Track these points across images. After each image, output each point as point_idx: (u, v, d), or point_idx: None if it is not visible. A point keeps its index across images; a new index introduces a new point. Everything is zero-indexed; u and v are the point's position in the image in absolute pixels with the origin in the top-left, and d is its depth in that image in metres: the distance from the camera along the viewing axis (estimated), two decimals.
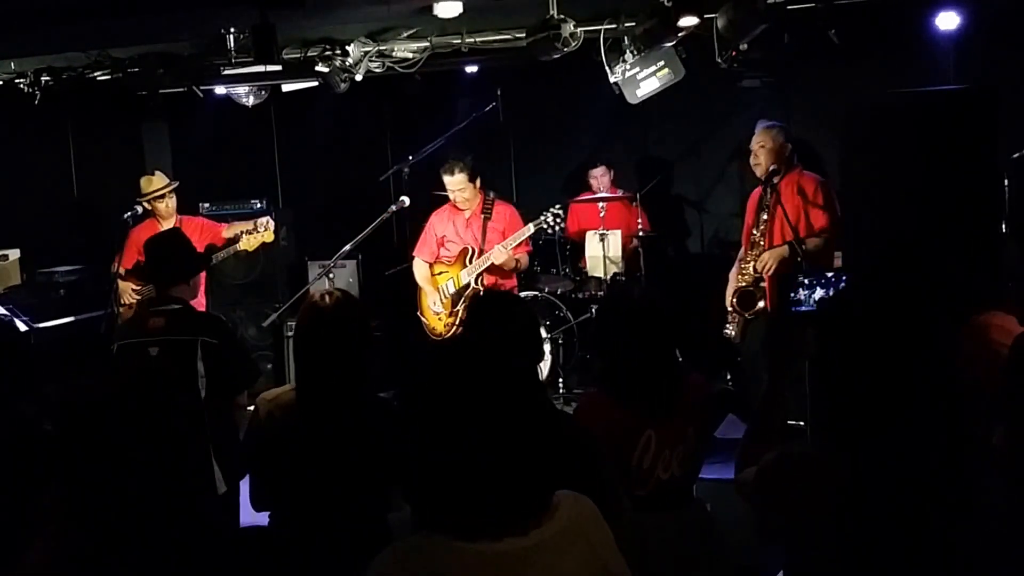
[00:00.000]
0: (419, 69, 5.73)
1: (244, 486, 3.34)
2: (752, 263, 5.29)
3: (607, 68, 5.29)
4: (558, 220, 5.56)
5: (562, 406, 5.77)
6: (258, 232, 5.81)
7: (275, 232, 5.91)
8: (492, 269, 5.59)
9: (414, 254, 5.90)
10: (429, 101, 6.87)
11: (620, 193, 6.84)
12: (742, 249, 5.43)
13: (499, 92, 6.56)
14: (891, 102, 4.38)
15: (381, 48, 5.65)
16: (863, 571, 1.84)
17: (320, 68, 5.63)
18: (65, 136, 8.08)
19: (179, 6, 5.13)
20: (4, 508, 2.40)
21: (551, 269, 6.75)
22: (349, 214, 6.47)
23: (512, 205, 5.89)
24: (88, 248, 7.61)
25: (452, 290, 5.69)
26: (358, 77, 5.70)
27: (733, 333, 5.43)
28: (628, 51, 5.21)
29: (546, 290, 6.55)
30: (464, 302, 5.61)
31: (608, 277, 6.38)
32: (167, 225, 5.91)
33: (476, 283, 5.60)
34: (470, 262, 5.64)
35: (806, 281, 2.45)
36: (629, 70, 5.26)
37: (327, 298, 2.75)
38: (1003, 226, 4.22)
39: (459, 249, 5.71)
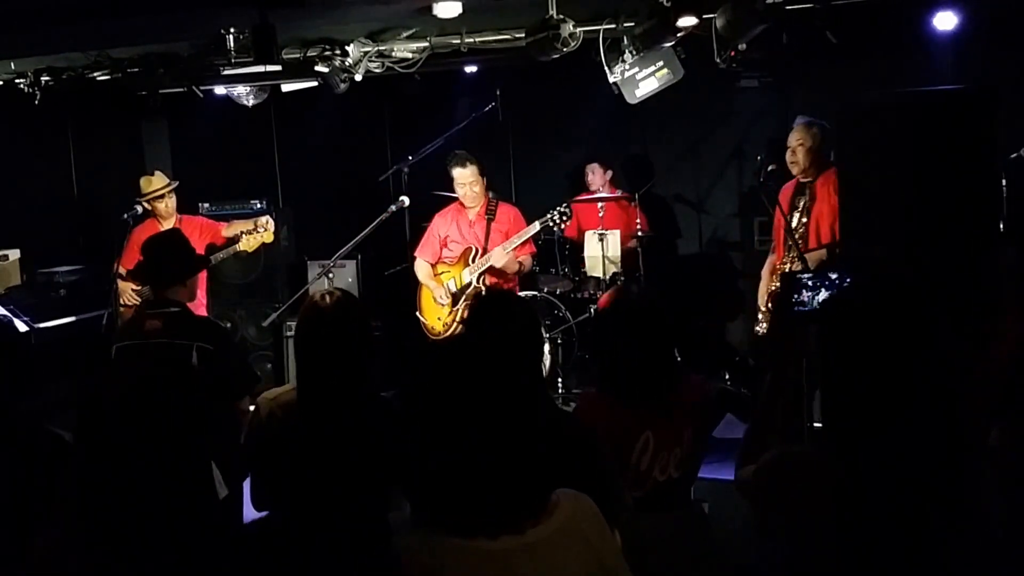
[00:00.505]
0: (419, 69, 5.74)
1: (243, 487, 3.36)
2: (788, 265, 5.22)
3: (606, 68, 5.30)
4: (564, 218, 5.55)
5: (561, 406, 5.78)
6: (258, 232, 5.81)
7: (275, 232, 5.92)
8: (494, 271, 5.59)
9: (416, 254, 5.90)
10: (429, 101, 6.88)
11: (619, 193, 6.85)
12: (775, 249, 5.38)
13: (498, 92, 6.57)
14: (889, 102, 4.39)
15: (381, 48, 5.65)
16: (862, 571, 1.84)
17: (320, 68, 5.64)
18: (65, 136, 8.08)
19: (179, 6, 5.13)
20: (4, 508, 2.40)
21: (550, 269, 6.76)
22: (349, 214, 6.48)
23: (515, 207, 5.89)
24: (88, 248, 7.63)
25: (454, 288, 5.70)
26: (358, 77, 5.71)
27: (762, 331, 5.44)
28: (627, 51, 5.22)
29: (545, 290, 6.56)
30: (465, 301, 5.61)
31: (607, 277, 6.39)
32: (167, 225, 5.91)
33: (478, 282, 5.60)
34: (472, 261, 5.64)
35: (809, 283, 2.46)
36: (628, 70, 5.27)
37: (327, 298, 2.76)
38: (1001, 226, 4.23)
39: (462, 249, 5.71)
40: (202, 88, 6.03)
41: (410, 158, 6.10)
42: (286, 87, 6.34)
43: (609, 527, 1.78)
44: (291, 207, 7.90)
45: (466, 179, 5.63)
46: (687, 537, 2.82)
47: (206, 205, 7.37)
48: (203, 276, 5.19)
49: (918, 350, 1.88)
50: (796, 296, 2.45)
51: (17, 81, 6.11)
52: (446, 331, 5.69)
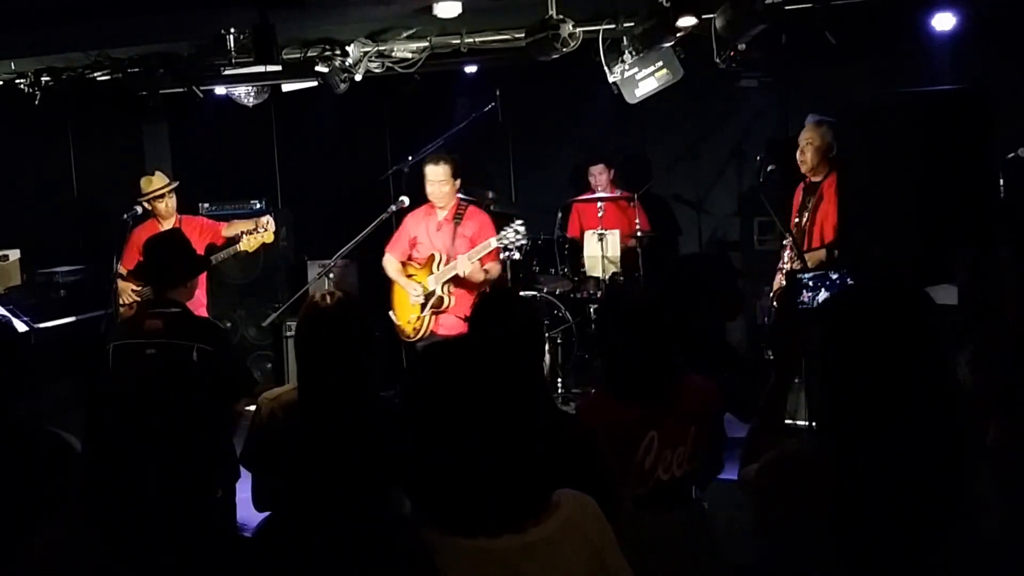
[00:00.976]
0: (419, 69, 5.74)
1: (240, 488, 3.36)
2: (789, 264, 5.26)
3: (606, 68, 5.31)
4: (518, 236, 5.39)
5: (561, 406, 5.78)
6: (258, 232, 5.81)
7: (275, 232, 5.92)
8: (459, 280, 5.46)
9: (386, 250, 5.76)
10: (429, 101, 6.89)
11: (619, 193, 6.86)
12: (788, 245, 5.40)
13: (498, 92, 6.58)
14: (887, 102, 4.40)
15: (381, 48, 5.66)
16: (861, 570, 1.85)
17: (320, 68, 5.64)
18: (65, 136, 8.08)
19: (179, 6, 5.14)
20: (4, 508, 2.41)
21: (550, 269, 6.76)
22: (349, 214, 6.48)
23: (486, 213, 5.74)
24: (88, 248, 7.63)
25: (421, 295, 5.60)
26: (358, 77, 5.71)
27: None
28: (627, 51, 5.23)
29: (545, 290, 6.56)
30: (431, 309, 5.53)
31: (606, 277, 6.39)
32: (167, 225, 5.91)
33: (442, 291, 5.49)
34: (437, 268, 5.53)
35: (810, 283, 2.47)
36: (628, 70, 5.28)
37: (328, 298, 2.77)
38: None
39: (428, 253, 5.61)
40: (202, 88, 6.04)
41: (410, 158, 6.10)
42: (286, 87, 6.34)
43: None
44: (291, 207, 7.90)
45: (436, 177, 5.52)
46: (689, 536, 2.83)
47: (206, 205, 7.37)
48: (203, 276, 5.18)
49: (918, 349, 1.88)
50: (798, 295, 2.46)
51: (17, 81, 6.11)
52: (416, 336, 5.59)
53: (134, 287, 5.77)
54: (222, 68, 5.68)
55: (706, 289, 7.11)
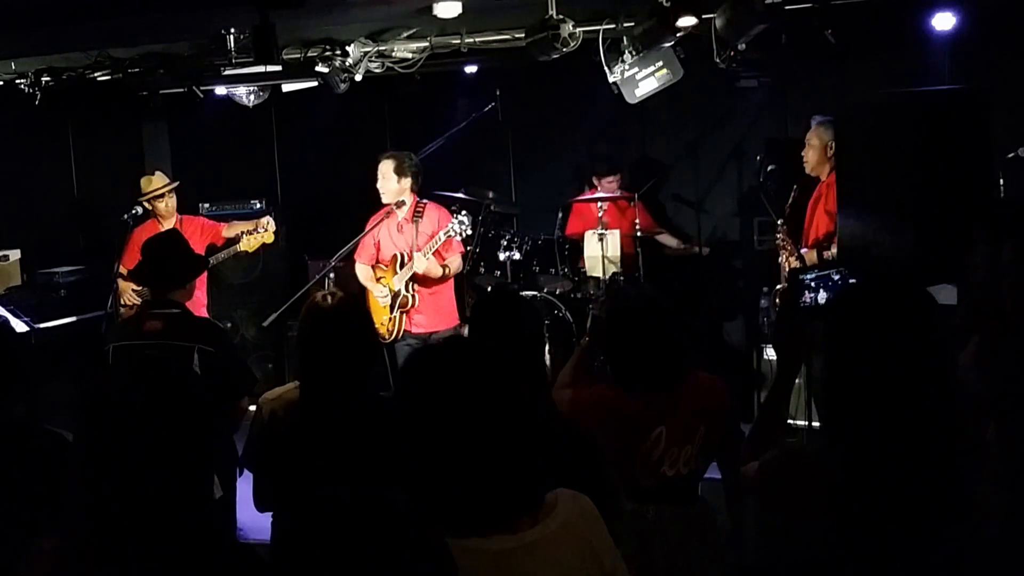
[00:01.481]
0: (419, 69, 5.75)
1: (241, 488, 3.37)
2: (784, 258, 5.39)
3: (606, 68, 5.31)
4: (464, 226, 5.40)
5: None
6: (258, 232, 5.82)
7: (275, 232, 5.92)
8: (421, 278, 5.47)
9: (355, 258, 5.74)
10: (429, 101, 6.89)
11: (619, 193, 6.85)
12: (781, 240, 5.53)
13: (498, 92, 6.58)
14: (886, 102, 4.40)
15: (381, 48, 5.66)
16: (860, 569, 1.85)
17: (320, 68, 5.65)
18: (65, 136, 8.08)
19: (179, 6, 5.14)
20: (4, 509, 2.41)
21: (550, 269, 6.76)
22: (349, 214, 6.48)
23: (444, 208, 5.71)
24: (88, 248, 7.63)
25: (388, 296, 5.59)
26: (358, 77, 5.72)
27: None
28: (627, 51, 5.23)
29: (545, 290, 6.56)
30: (400, 309, 5.53)
31: (606, 277, 6.39)
32: (167, 225, 5.91)
33: (407, 290, 5.49)
34: (400, 268, 5.52)
35: (812, 284, 2.47)
36: (628, 70, 5.28)
37: (329, 298, 2.77)
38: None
39: (391, 254, 5.61)
40: (202, 88, 6.05)
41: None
42: (286, 87, 6.35)
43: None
44: (291, 207, 7.90)
45: (381, 172, 5.53)
46: (692, 532, 2.84)
47: (206, 205, 7.38)
48: (203, 276, 5.19)
49: (919, 348, 1.88)
50: (800, 295, 2.47)
51: (18, 81, 6.11)
52: (390, 337, 5.58)
53: (135, 287, 5.78)
54: (222, 68, 5.68)
55: (706, 289, 7.11)
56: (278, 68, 5.38)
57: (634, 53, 5.20)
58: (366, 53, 5.63)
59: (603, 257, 6.40)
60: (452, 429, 1.58)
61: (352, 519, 1.40)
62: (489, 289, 6.20)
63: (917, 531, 1.83)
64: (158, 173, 6.13)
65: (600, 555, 1.70)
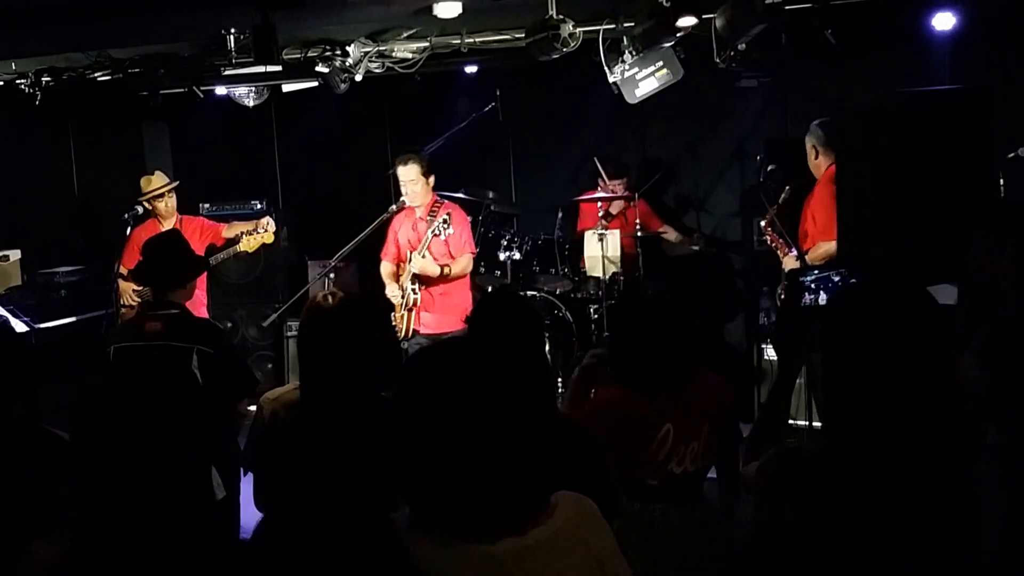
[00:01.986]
0: (419, 69, 5.75)
1: (243, 488, 3.36)
2: (779, 252, 5.50)
3: (606, 68, 5.31)
4: (446, 226, 5.42)
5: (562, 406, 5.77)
6: (258, 233, 5.83)
7: (275, 232, 5.93)
8: (424, 278, 5.49)
9: (381, 257, 5.81)
10: (429, 101, 6.89)
11: (619, 193, 6.84)
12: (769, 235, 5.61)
13: (498, 92, 6.58)
14: (885, 102, 4.40)
15: (381, 48, 5.66)
16: (861, 568, 1.85)
17: (320, 68, 5.65)
18: (66, 136, 8.09)
19: (180, 7, 5.15)
20: (2, 510, 2.41)
21: (550, 269, 6.76)
22: (349, 214, 6.48)
23: (460, 209, 5.75)
24: (88, 248, 7.62)
25: (399, 295, 5.63)
26: (358, 77, 5.72)
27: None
28: (627, 51, 5.23)
29: (545, 290, 6.56)
30: (406, 308, 5.56)
31: (607, 277, 6.39)
32: (168, 225, 5.92)
33: (413, 289, 5.52)
34: (408, 266, 5.58)
35: (811, 285, 2.48)
36: (628, 70, 5.28)
37: (330, 299, 2.77)
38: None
39: (407, 252, 5.64)
40: (203, 88, 6.05)
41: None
42: (286, 87, 6.35)
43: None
44: (291, 207, 7.90)
45: (407, 177, 5.54)
46: (699, 530, 2.85)
47: (206, 205, 7.38)
48: (203, 276, 5.20)
49: (919, 347, 1.89)
50: (800, 297, 2.47)
51: (18, 81, 6.12)
52: (403, 335, 5.64)
53: (135, 287, 5.78)
54: (222, 68, 5.69)
55: (706, 289, 7.12)
56: (278, 68, 5.39)
57: (634, 53, 5.20)
58: (366, 53, 5.63)
59: (603, 257, 6.39)
60: (459, 430, 1.57)
61: (353, 521, 1.40)
62: (490, 289, 6.20)
63: (917, 531, 1.83)
64: (158, 173, 6.13)
65: (602, 558, 1.70)
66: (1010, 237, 2.64)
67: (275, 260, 7.32)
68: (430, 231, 5.44)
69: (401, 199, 5.70)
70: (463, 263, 5.66)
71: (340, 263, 5.76)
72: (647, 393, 2.81)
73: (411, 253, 5.57)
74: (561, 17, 4.88)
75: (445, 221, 5.40)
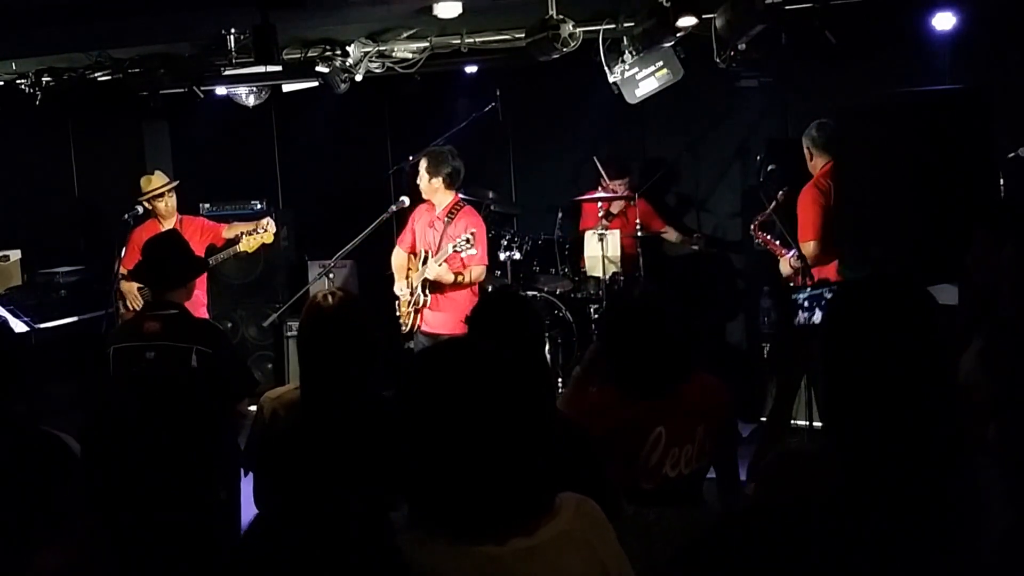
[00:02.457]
0: (419, 69, 5.75)
1: (243, 488, 3.36)
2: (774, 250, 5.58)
3: (606, 68, 5.31)
4: (468, 245, 5.35)
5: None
6: (258, 233, 5.83)
7: (275, 232, 5.93)
8: (434, 282, 5.49)
9: (397, 243, 5.82)
10: (429, 101, 6.89)
11: (619, 193, 6.84)
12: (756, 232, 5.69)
13: (498, 92, 6.58)
14: (886, 102, 4.41)
15: (381, 48, 5.66)
16: (862, 568, 1.85)
17: (320, 68, 5.65)
18: (66, 136, 8.09)
19: (180, 7, 5.15)
20: (3, 513, 2.41)
21: (550, 269, 6.76)
22: (349, 214, 6.48)
23: (478, 215, 5.72)
24: (89, 249, 7.63)
25: (407, 291, 5.64)
26: (358, 77, 5.72)
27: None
28: (627, 51, 5.23)
29: (545, 290, 6.56)
30: (413, 305, 5.57)
31: (607, 277, 6.40)
32: (168, 225, 5.92)
33: (421, 291, 5.51)
34: (423, 266, 5.55)
35: (805, 303, 2.47)
36: (628, 70, 5.28)
37: (330, 298, 2.77)
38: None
39: (421, 249, 5.64)
40: (203, 88, 6.05)
41: (410, 158, 6.10)
42: (287, 87, 6.35)
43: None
44: (291, 207, 7.91)
45: (420, 168, 5.60)
46: (694, 532, 2.83)
47: (206, 205, 7.38)
48: (203, 276, 5.20)
49: (918, 348, 1.88)
50: (795, 315, 2.47)
51: (18, 81, 6.11)
52: (407, 329, 5.65)
53: (139, 286, 5.78)
54: (223, 68, 5.69)
55: (706, 289, 7.12)
56: (278, 68, 5.39)
57: (634, 53, 5.20)
58: (366, 53, 5.63)
59: (603, 257, 6.40)
60: (460, 431, 1.56)
61: (353, 521, 1.40)
62: (490, 289, 6.20)
63: (917, 531, 1.82)
64: (158, 173, 6.13)
65: (605, 560, 1.69)
66: (1009, 236, 2.64)
67: (275, 260, 7.32)
68: (451, 246, 5.35)
69: (401, 199, 5.71)
70: (477, 272, 5.61)
71: (340, 263, 5.75)
72: (637, 397, 2.79)
73: (426, 254, 5.56)
74: (561, 17, 4.88)
75: (468, 240, 5.32)
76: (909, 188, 4.17)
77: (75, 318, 6.68)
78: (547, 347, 6.11)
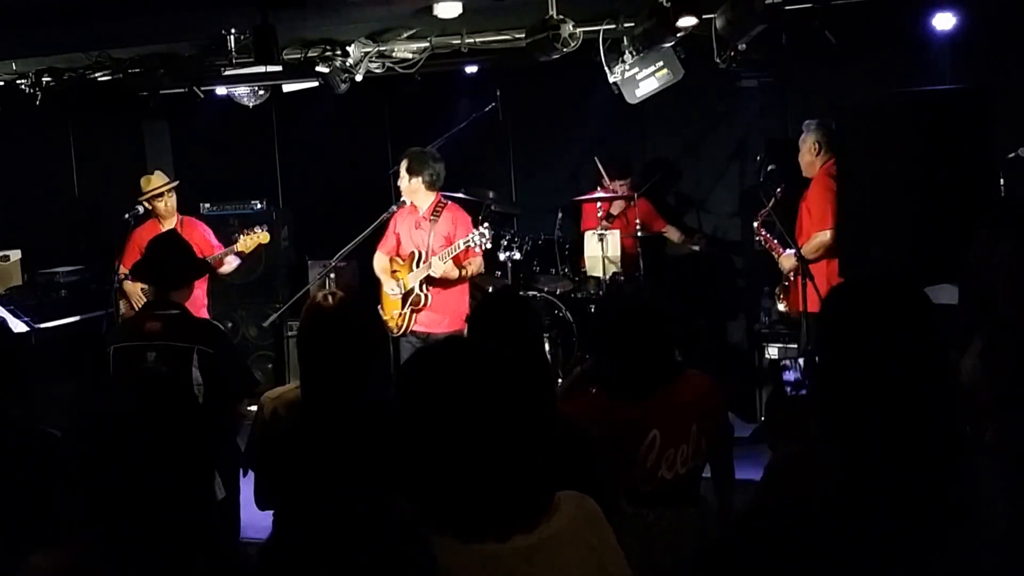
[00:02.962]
0: (419, 69, 5.75)
1: (244, 488, 3.36)
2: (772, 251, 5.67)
3: (606, 68, 5.31)
4: (484, 239, 5.43)
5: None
6: (255, 233, 5.87)
7: (275, 233, 5.95)
8: (435, 279, 5.51)
9: (377, 248, 5.81)
10: (429, 101, 6.89)
11: (619, 193, 6.84)
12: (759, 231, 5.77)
13: (498, 92, 6.58)
14: (886, 102, 4.41)
15: (381, 48, 5.66)
16: (863, 569, 1.85)
17: (320, 68, 5.65)
18: (66, 137, 8.09)
19: (180, 7, 5.15)
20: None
21: (550, 269, 6.76)
22: (349, 214, 6.48)
23: (464, 211, 5.76)
24: (89, 249, 7.63)
25: (402, 290, 5.64)
26: (358, 77, 5.71)
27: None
28: (627, 51, 5.23)
29: (545, 290, 6.56)
30: (411, 306, 5.57)
31: (607, 277, 6.40)
32: (168, 225, 5.92)
33: (421, 290, 5.54)
34: (416, 266, 5.57)
35: (788, 363, 2.49)
36: (628, 70, 5.28)
37: (330, 298, 2.78)
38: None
39: (410, 250, 5.65)
40: (203, 88, 6.04)
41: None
42: (287, 87, 6.35)
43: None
44: (291, 207, 7.90)
45: (401, 169, 5.64)
46: (694, 533, 2.83)
47: (206, 205, 7.38)
48: (203, 276, 5.20)
49: (918, 348, 1.88)
50: (785, 386, 2.48)
51: (18, 82, 6.11)
52: (398, 331, 5.64)
53: (143, 287, 5.77)
54: (223, 68, 5.69)
55: (706, 289, 7.12)
56: (278, 68, 5.39)
57: (634, 53, 5.19)
58: (366, 53, 5.63)
59: (603, 257, 6.40)
60: (459, 431, 1.57)
61: (348, 522, 1.40)
62: (490, 289, 6.20)
63: (917, 531, 1.82)
64: (158, 172, 6.13)
65: (604, 557, 1.70)
66: (1006, 235, 2.64)
67: (275, 260, 7.32)
68: (463, 242, 5.42)
69: (402, 199, 5.71)
70: (476, 264, 5.70)
71: (340, 263, 5.75)
72: (627, 400, 2.78)
73: (419, 254, 5.56)
74: (561, 17, 4.88)
75: (483, 235, 5.41)
76: (909, 188, 4.17)
77: (75, 318, 6.68)
78: (547, 347, 6.11)
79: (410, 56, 5.63)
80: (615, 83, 5.34)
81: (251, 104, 6.52)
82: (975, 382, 2.48)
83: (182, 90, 6.07)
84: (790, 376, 2.45)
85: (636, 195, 6.46)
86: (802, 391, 2.43)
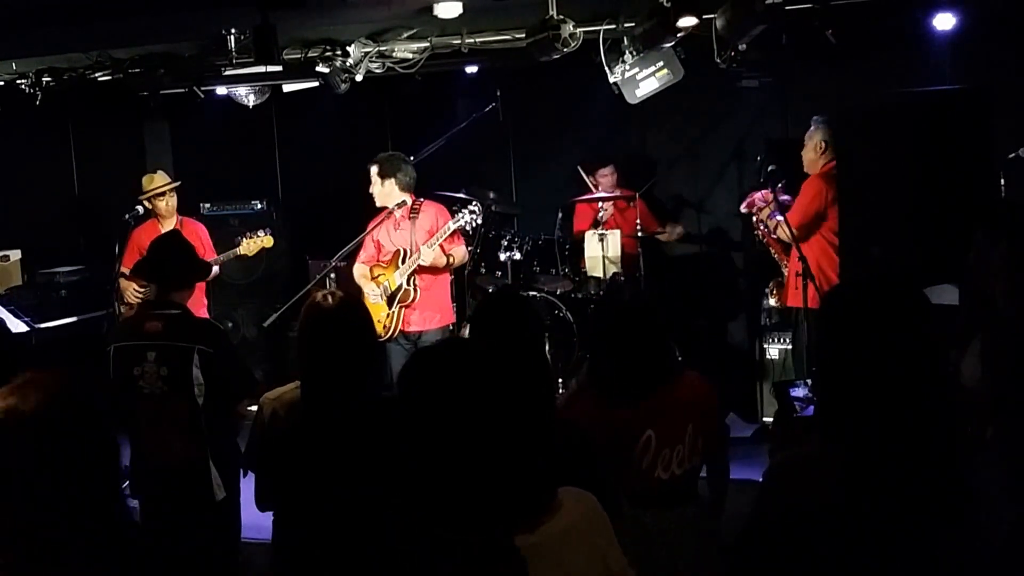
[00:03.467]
0: (419, 69, 5.75)
1: (244, 488, 3.36)
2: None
3: (606, 68, 5.31)
4: (475, 216, 5.53)
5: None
6: (258, 236, 5.87)
7: (275, 233, 5.95)
8: (424, 269, 5.55)
9: (357, 261, 5.79)
10: (429, 101, 6.89)
11: (619, 192, 6.85)
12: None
13: (499, 92, 6.58)
14: (886, 102, 4.41)
15: (381, 48, 5.66)
16: (864, 569, 1.85)
17: (320, 68, 5.65)
18: (66, 137, 8.09)
19: (180, 7, 5.15)
20: None
21: (550, 269, 6.76)
22: (349, 214, 6.48)
23: (440, 203, 5.79)
24: (89, 248, 7.64)
25: (388, 292, 5.63)
26: (358, 77, 5.72)
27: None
28: (627, 51, 5.23)
29: (545, 290, 6.57)
30: (399, 304, 5.58)
31: (607, 277, 6.40)
32: (168, 225, 5.93)
33: (408, 284, 5.55)
34: (402, 263, 5.58)
35: (798, 406, 2.50)
36: (628, 70, 5.28)
37: (330, 298, 2.77)
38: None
39: (392, 253, 5.65)
40: (203, 88, 6.04)
41: (411, 158, 6.11)
42: (287, 87, 6.35)
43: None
44: (291, 207, 7.90)
45: (371, 177, 5.66)
46: (692, 533, 2.84)
47: (207, 205, 7.38)
48: None
49: (917, 348, 1.89)
50: (791, 409, 2.49)
51: (18, 81, 6.11)
52: (386, 334, 5.62)
53: (136, 287, 5.78)
54: (223, 68, 5.69)
55: (706, 289, 7.12)
56: (279, 68, 5.39)
57: (635, 53, 5.20)
58: (367, 53, 5.63)
59: (603, 257, 6.40)
60: (459, 431, 1.57)
61: (348, 522, 1.40)
62: (490, 290, 6.20)
63: (917, 531, 1.83)
64: (160, 172, 6.14)
65: (606, 553, 1.70)
66: (1004, 236, 2.64)
67: (276, 261, 7.32)
68: (452, 223, 5.51)
69: (403, 199, 5.70)
70: (461, 252, 5.78)
71: (340, 263, 5.75)
72: (622, 402, 2.78)
73: (404, 252, 5.57)
74: (561, 17, 4.88)
75: (472, 211, 5.54)
76: (909, 188, 4.17)
77: (75, 318, 6.68)
78: (547, 347, 6.11)
79: (410, 56, 5.63)
80: (615, 83, 5.34)
81: (251, 104, 6.52)
82: (975, 382, 2.48)
83: (182, 90, 6.07)
84: (798, 392, 2.48)
85: (636, 195, 6.46)
86: (809, 409, 2.45)
